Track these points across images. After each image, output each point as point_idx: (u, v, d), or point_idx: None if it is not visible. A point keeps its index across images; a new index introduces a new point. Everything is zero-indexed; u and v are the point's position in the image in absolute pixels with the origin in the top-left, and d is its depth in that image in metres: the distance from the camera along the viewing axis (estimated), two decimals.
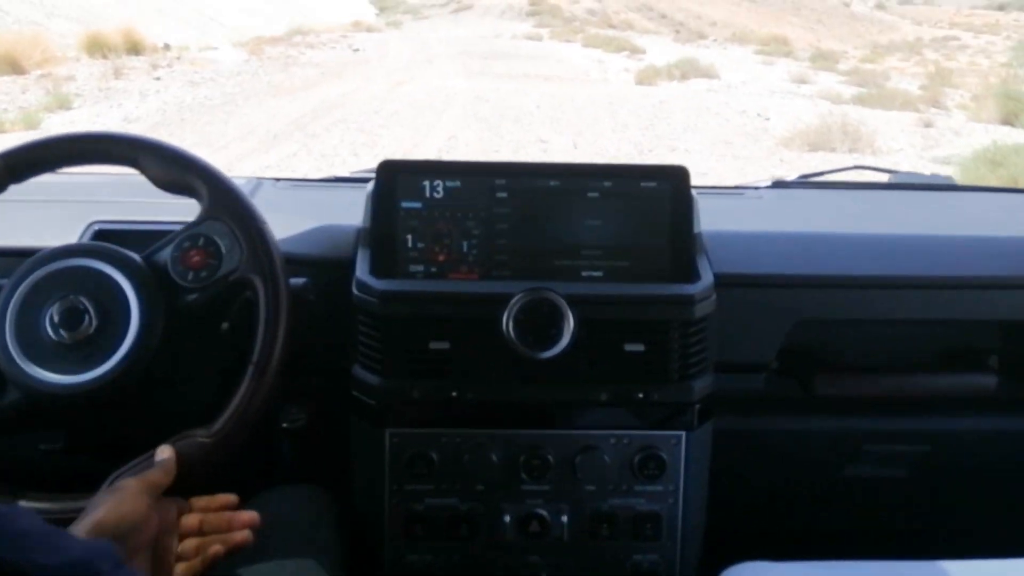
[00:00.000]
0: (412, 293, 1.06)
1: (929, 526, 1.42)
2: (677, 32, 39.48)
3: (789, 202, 1.51)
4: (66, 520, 0.75)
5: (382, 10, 50.91)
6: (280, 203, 1.31)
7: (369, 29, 30.39)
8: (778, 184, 1.57)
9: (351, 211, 1.14)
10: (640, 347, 1.05)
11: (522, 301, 1.02)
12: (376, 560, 1.11)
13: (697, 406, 1.09)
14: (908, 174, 1.72)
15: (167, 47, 18.01)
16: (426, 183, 1.09)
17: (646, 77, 14.50)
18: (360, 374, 1.08)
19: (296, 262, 1.07)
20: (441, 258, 1.09)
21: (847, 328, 1.28)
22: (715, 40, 33.42)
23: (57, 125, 8.42)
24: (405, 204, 1.09)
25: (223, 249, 0.93)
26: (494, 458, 1.07)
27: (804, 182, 1.62)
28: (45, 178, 1.01)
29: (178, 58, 16.04)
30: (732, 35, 36.90)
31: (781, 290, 1.20)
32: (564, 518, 1.09)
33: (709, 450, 1.14)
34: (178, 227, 0.98)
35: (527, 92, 11.68)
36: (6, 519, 0.51)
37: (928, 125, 9.82)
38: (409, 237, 1.09)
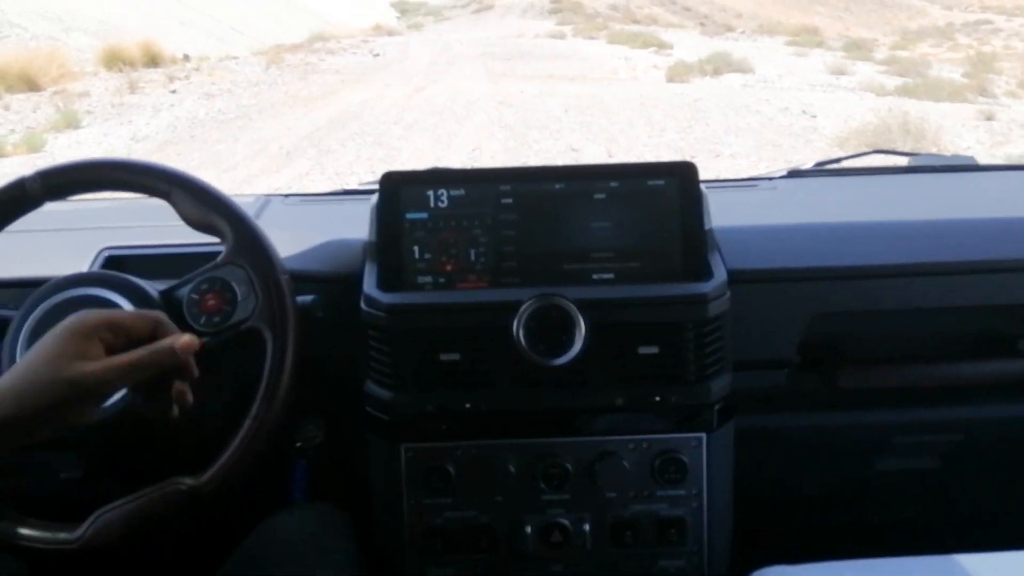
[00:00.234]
0: (420, 305, 1.05)
1: (963, 517, 1.38)
2: (702, 25, 38.80)
3: (805, 191, 1.46)
4: (57, 553, 0.82)
5: (403, 13, 50.81)
6: (288, 219, 1.32)
7: (390, 33, 30.08)
8: (793, 173, 1.53)
9: (359, 224, 1.12)
10: (655, 349, 1.03)
11: (532, 308, 1.00)
12: (396, 575, 1.09)
13: (716, 407, 1.07)
14: (928, 156, 1.67)
15: (186, 58, 17.86)
16: (430, 193, 1.08)
17: (677, 74, 13.83)
18: (373, 389, 1.07)
19: (305, 279, 1.07)
20: (448, 268, 1.08)
21: (869, 319, 1.23)
22: (743, 32, 32.70)
23: (62, 147, 8.06)
24: (410, 215, 1.08)
25: (239, 296, 0.93)
26: (511, 468, 1.05)
27: (820, 170, 1.56)
28: (50, 205, 0.99)
29: (197, 69, 15.81)
30: (759, 27, 36.23)
31: (798, 284, 1.16)
32: (586, 526, 1.07)
33: (731, 451, 1.11)
34: (186, 251, 1.08)
35: (553, 94, 11.12)
36: None
37: (989, 118, 9.10)
38: (415, 248, 1.08)
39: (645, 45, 21.58)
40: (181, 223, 0.98)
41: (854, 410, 1.25)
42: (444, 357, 1.04)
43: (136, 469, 0.95)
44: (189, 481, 0.89)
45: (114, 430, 0.91)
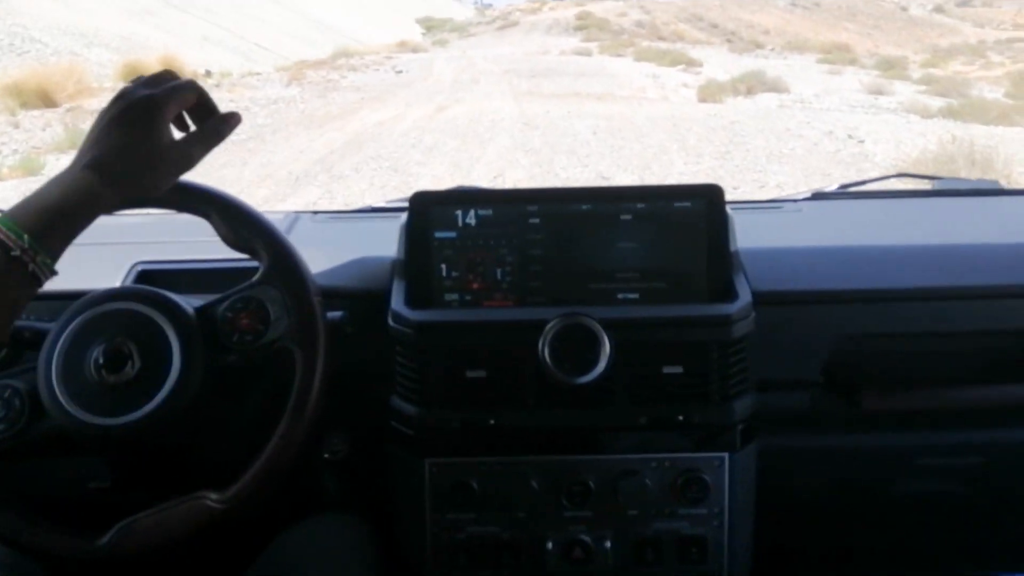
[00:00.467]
0: (447, 323, 1.06)
1: (986, 542, 1.36)
2: (729, 42, 38.31)
3: (829, 214, 1.46)
4: (79, 560, 0.86)
5: (428, 29, 50.82)
6: (317, 237, 1.34)
7: (415, 49, 29.86)
8: (818, 196, 1.53)
9: (386, 241, 1.15)
10: (679, 369, 1.04)
11: (557, 327, 1.00)
12: None
13: (739, 427, 1.06)
14: (952, 180, 1.68)
15: (208, 74, 17.68)
16: (459, 212, 1.09)
17: (709, 93, 13.30)
18: (398, 404, 1.08)
19: (334, 295, 1.08)
20: (475, 286, 1.09)
21: (893, 341, 1.22)
22: (772, 49, 32.13)
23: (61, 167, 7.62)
24: (438, 234, 1.10)
25: (272, 316, 0.94)
26: (535, 485, 1.05)
27: (844, 192, 1.57)
28: None
29: (217, 86, 15.58)
30: (787, 43, 35.68)
31: (822, 306, 1.17)
32: (608, 544, 1.06)
33: (754, 471, 1.10)
34: (217, 267, 1.16)
35: (580, 115, 10.60)
36: None
37: None
38: (443, 267, 1.09)
39: (673, 63, 21.10)
40: (212, 239, 0.99)
41: (877, 432, 1.24)
42: (470, 374, 1.04)
43: (163, 481, 0.96)
44: (214, 496, 0.90)
45: (142, 439, 0.92)
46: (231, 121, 0.91)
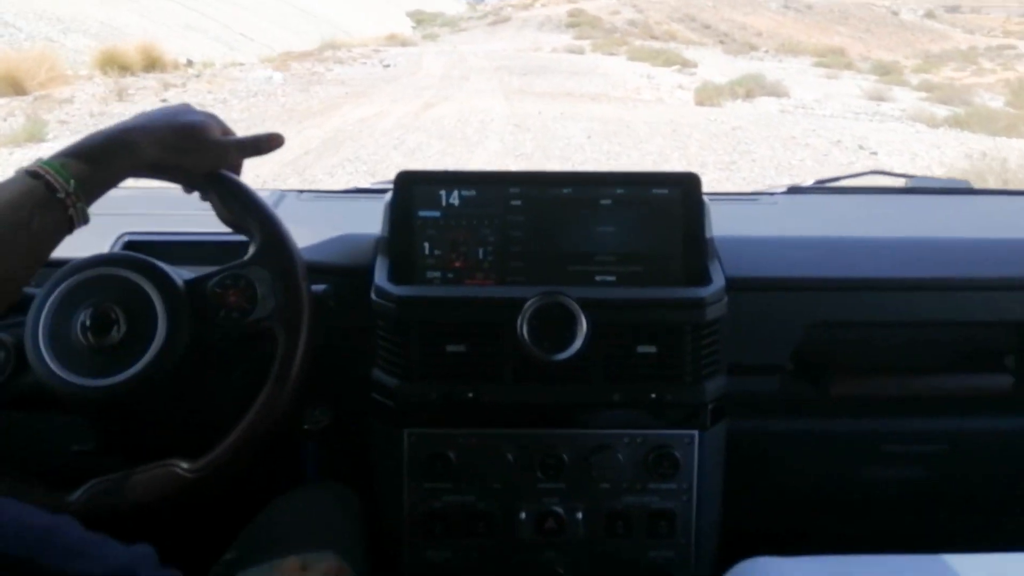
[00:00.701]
0: (429, 298, 1.08)
1: (948, 526, 1.39)
2: (722, 43, 37.94)
3: (804, 207, 1.50)
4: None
5: (419, 23, 50.16)
6: (303, 214, 1.35)
7: (404, 43, 29.19)
8: (794, 190, 1.56)
9: (371, 221, 1.16)
10: (653, 349, 1.06)
11: (536, 305, 1.03)
12: (396, 556, 1.12)
13: (710, 406, 1.09)
14: (925, 178, 1.70)
15: (190, 63, 17.08)
16: (442, 192, 1.12)
17: (707, 96, 12.78)
18: (379, 377, 1.10)
19: (318, 270, 1.09)
20: (457, 265, 1.11)
21: (863, 330, 1.26)
22: (766, 51, 31.74)
23: (15, 163, 7.03)
24: (422, 213, 1.12)
25: (259, 296, 0.95)
26: (510, 457, 1.08)
27: (820, 187, 1.61)
28: None
29: (197, 76, 15.00)
30: (780, 46, 35.40)
31: (794, 293, 1.20)
32: (580, 516, 1.09)
33: (723, 449, 1.13)
34: (204, 239, 1.17)
35: (574, 116, 10.08)
36: (57, 532, 0.55)
37: None
38: (426, 245, 1.12)
39: (668, 63, 20.59)
40: (196, 213, 1.05)
41: (845, 417, 1.26)
42: (450, 348, 1.06)
43: (142, 448, 0.96)
44: (184, 464, 0.91)
45: (123, 402, 0.92)
46: (273, 141, 0.98)
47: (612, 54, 25.10)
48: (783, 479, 1.31)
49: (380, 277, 1.08)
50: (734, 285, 1.11)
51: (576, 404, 1.07)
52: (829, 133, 9.04)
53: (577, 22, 43.01)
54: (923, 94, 15.97)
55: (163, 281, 0.94)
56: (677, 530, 1.09)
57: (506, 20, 49.44)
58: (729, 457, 1.13)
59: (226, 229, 0.99)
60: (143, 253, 1.00)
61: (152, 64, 15.16)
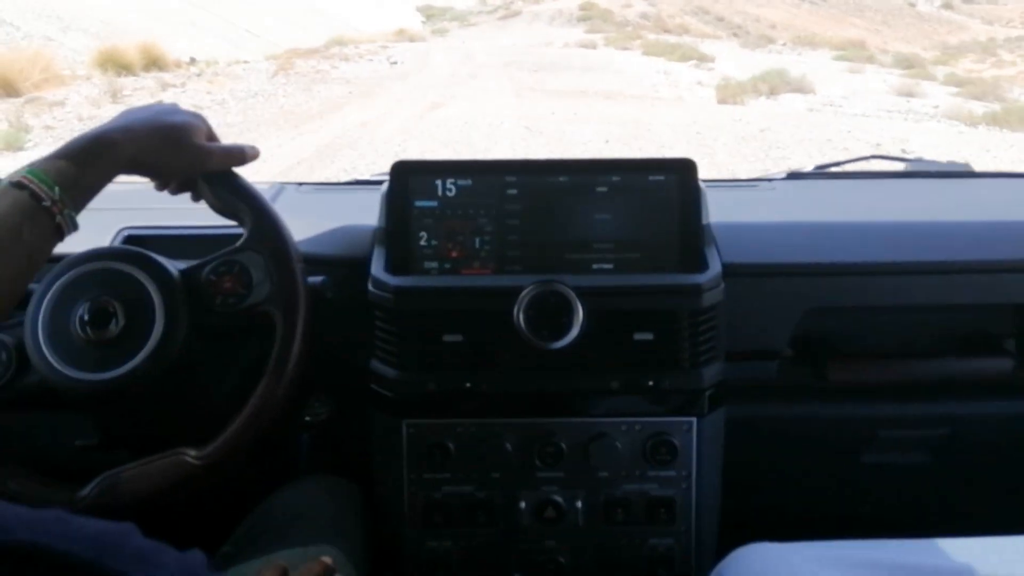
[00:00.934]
0: (426, 288, 1.08)
1: (948, 510, 1.39)
2: (736, 36, 37.24)
3: (803, 193, 1.49)
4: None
5: (428, 18, 49.65)
6: (301, 206, 1.35)
7: (412, 38, 28.66)
8: (793, 175, 1.55)
9: (369, 212, 1.16)
10: (650, 336, 1.06)
11: (532, 293, 1.03)
12: (396, 546, 1.12)
13: (708, 393, 1.09)
14: (926, 162, 1.68)
15: (193, 61, 16.60)
16: (439, 182, 1.11)
17: (729, 94, 12.13)
18: (377, 367, 1.09)
19: (316, 262, 1.10)
20: (454, 254, 1.11)
21: (860, 315, 1.26)
22: (784, 44, 30.97)
23: None
24: (418, 203, 1.11)
25: (254, 281, 0.96)
26: (508, 446, 1.08)
27: (820, 173, 1.60)
28: None
29: (199, 75, 14.50)
30: (796, 38, 34.68)
31: (791, 278, 1.20)
32: (579, 504, 1.09)
33: (721, 436, 1.13)
34: (203, 233, 1.17)
35: (589, 118, 9.46)
36: (126, 537, 0.57)
37: None
38: (423, 235, 1.11)
39: (684, 58, 19.91)
40: (195, 207, 1.02)
41: (843, 403, 1.26)
42: (447, 338, 1.06)
43: (145, 440, 0.97)
44: (193, 452, 0.92)
45: (125, 395, 0.92)
46: (251, 153, 0.99)
47: (626, 49, 24.42)
48: (782, 465, 1.32)
49: (377, 268, 1.08)
50: (731, 271, 1.11)
51: (574, 392, 1.08)
52: (866, 134, 8.37)
53: (588, 16, 42.34)
54: (953, 89, 15.25)
55: (158, 272, 0.94)
56: (676, 517, 1.10)
57: (516, 14, 48.76)
58: (728, 443, 1.14)
59: (228, 223, 0.99)
60: (142, 247, 0.99)
61: (154, 63, 14.68)
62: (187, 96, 11.59)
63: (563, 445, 1.06)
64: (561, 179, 1.09)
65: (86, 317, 0.90)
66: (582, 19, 41.41)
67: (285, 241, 0.96)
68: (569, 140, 8.13)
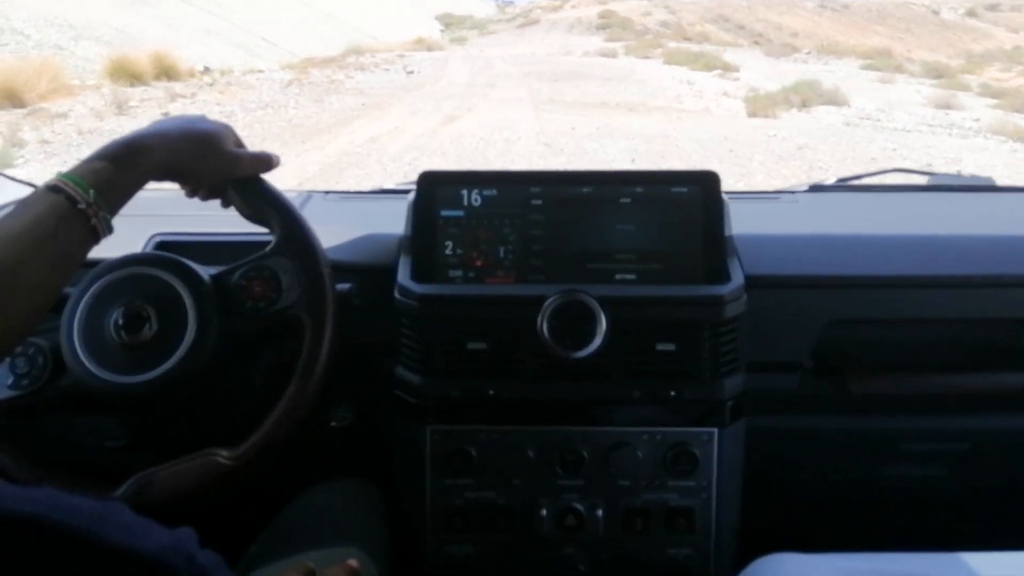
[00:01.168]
0: (451, 296, 1.10)
1: (968, 524, 1.38)
2: (757, 44, 36.58)
3: (825, 206, 1.50)
4: None
5: (447, 26, 49.31)
6: (328, 215, 1.38)
7: (430, 47, 28.22)
8: (815, 188, 1.57)
9: (395, 220, 1.17)
10: (672, 347, 1.07)
11: (556, 303, 1.03)
12: (418, 551, 1.13)
13: (729, 404, 1.09)
14: (948, 176, 1.68)
15: (207, 71, 16.23)
16: (464, 192, 1.13)
17: (760, 106, 11.53)
18: (402, 374, 1.11)
19: (343, 269, 1.11)
20: (479, 263, 1.13)
21: (882, 328, 1.25)
22: (809, 53, 30.29)
23: None
24: (444, 213, 1.13)
25: (284, 285, 0.97)
26: (530, 454, 1.09)
27: (841, 186, 1.60)
28: None
29: (211, 84, 14.13)
30: (820, 46, 33.94)
31: (813, 291, 1.20)
32: (599, 512, 1.10)
33: (742, 447, 1.13)
34: (233, 239, 1.18)
35: (612, 133, 8.92)
36: (112, 512, 0.58)
37: None
38: (448, 244, 1.13)
39: (707, 67, 19.31)
40: (227, 213, 1.03)
41: (864, 415, 1.25)
42: (471, 346, 1.07)
43: (176, 441, 0.97)
44: (224, 453, 0.93)
45: (157, 398, 0.93)
46: (276, 160, 1.01)
47: (647, 57, 23.83)
48: (802, 477, 1.31)
49: (403, 276, 1.10)
50: (753, 283, 1.12)
51: (596, 401, 1.08)
52: (913, 152, 7.78)
53: (608, 24, 41.81)
54: (991, 100, 14.57)
55: (190, 277, 0.96)
56: (696, 527, 1.10)
57: (535, 22, 48.35)
58: (748, 454, 1.13)
59: (257, 229, 1.01)
60: (174, 253, 1.01)
61: (166, 72, 14.32)
62: (196, 107, 11.24)
63: (584, 453, 1.08)
64: (585, 190, 1.12)
65: (120, 321, 0.92)
66: (601, 27, 40.89)
67: (314, 246, 0.98)
68: (592, 158, 7.60)
